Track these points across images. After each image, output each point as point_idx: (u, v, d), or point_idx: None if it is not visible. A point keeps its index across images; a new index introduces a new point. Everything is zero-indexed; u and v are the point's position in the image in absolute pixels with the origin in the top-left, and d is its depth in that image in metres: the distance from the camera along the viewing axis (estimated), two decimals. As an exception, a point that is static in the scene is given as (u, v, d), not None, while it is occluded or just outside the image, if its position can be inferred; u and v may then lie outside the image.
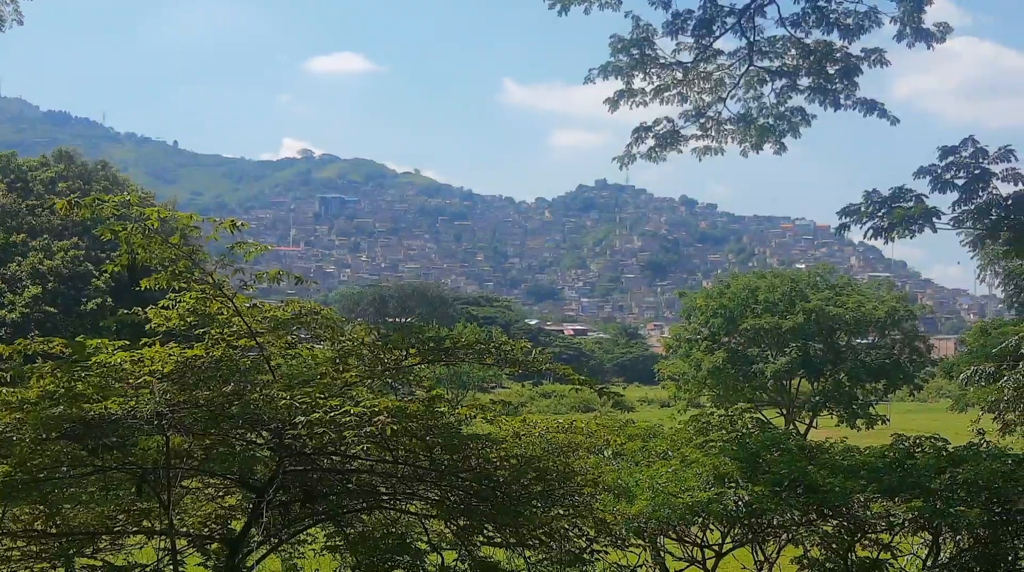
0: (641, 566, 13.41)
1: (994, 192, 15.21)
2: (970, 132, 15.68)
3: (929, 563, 12.67)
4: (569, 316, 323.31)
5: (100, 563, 10.84)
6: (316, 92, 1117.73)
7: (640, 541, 13.19)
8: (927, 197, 15.29)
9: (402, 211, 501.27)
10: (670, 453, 13.75)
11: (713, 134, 17.80)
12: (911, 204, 15.13)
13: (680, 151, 17.81)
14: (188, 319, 10.24)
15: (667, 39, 16.84)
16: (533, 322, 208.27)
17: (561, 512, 11.07)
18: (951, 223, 15.48)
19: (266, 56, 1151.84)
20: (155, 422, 8.86)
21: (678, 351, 54.59)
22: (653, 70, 17.10)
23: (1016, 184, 15.04)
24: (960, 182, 15.24)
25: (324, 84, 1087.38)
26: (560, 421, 14.05)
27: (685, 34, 16.76)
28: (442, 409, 10.11)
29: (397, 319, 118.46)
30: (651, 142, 17.69)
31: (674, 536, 13.56)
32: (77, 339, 9.79)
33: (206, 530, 11.33)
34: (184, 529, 11.14)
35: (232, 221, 9.32)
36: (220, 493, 11.59)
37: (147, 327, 10.55)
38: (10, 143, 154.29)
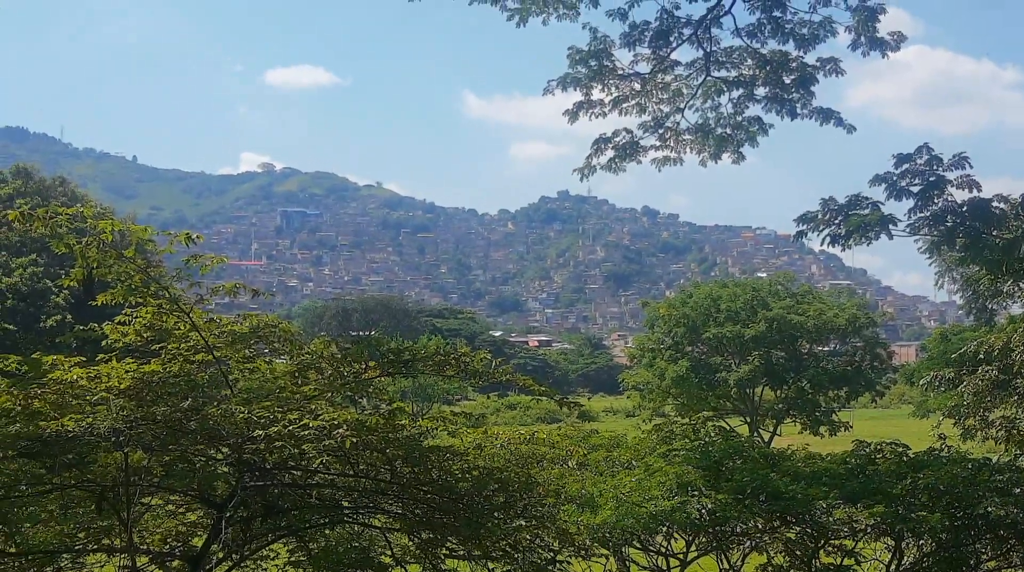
0: (606, 576, 13.43)
1: (949, 199, 15.31)
2: (925, 139, 15.85)
3: (892, 568, 12.75)
4: (533, 327, 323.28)
5: (61, 582, 10.71)
6: (275, 105, 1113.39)
7: (605, 551, 13.20)
8: (883, 204, 15.36)
9: (365, 224, 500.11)
10: (634, 463, 13.79)
11: (672, 144, 17.86)
12: (867, 211, 15.22)
13: (639, 162, 17.88)
14: (145, 334, 10.15)
15: (625, 50, 16.92)
16: (498, 334, 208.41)
17: (524, 523, 11.05)
18: (907, 230, 15.57)
19: (223, 68, 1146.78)
20: (113, 439, 8.77)
21: (642, 361, 54.55)
22: (611, 81, 17.18)
23: (971, 191, 15.14)
24: (915, 189, 15.32)
25: (283, 96, 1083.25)
26: (523, 432, 14.03)
27: (642, 45, 16.81)
28: (403, 422, 10.08)
29: (361, 333, 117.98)
30: (611, 153, 17.72)
31: (639, 545, 13.57)
32: (33, 356, 9.68)
33: (167, 547, 11.20)
34: (144, 546, 11.00)
35: (187, 234, 9.25)
36: (180, 509, 11.48)
37: (104, 343, 10.45)
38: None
